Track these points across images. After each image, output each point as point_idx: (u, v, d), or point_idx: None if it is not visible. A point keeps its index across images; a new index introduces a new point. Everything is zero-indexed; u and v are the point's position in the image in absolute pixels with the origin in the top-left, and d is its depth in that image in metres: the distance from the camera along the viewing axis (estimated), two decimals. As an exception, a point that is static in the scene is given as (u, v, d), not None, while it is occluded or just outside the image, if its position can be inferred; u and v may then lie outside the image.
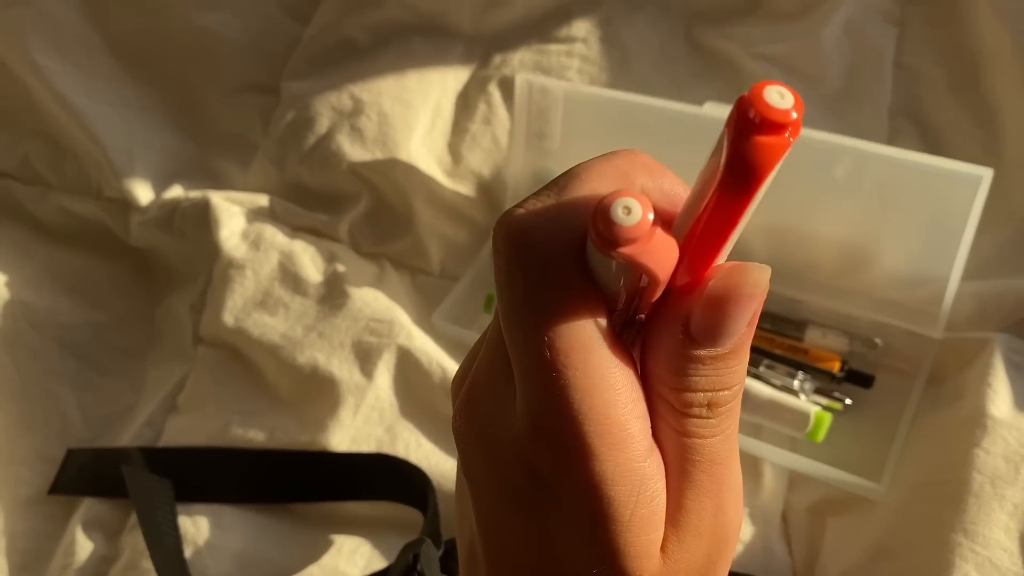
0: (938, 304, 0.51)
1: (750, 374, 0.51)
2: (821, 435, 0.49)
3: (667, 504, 0.24)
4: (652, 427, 0.23)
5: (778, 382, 0.51)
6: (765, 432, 0.51)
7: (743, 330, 0.23)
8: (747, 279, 0.22)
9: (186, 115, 0.72)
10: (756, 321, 0.23)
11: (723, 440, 0.24)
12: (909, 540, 0.45)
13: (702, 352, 0.23)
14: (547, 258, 0.22)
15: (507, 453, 0.23)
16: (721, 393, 0.23)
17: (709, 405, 0.23)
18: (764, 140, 0.19)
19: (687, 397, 0.23)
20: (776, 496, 0.50)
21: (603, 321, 0.23)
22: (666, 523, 0.24)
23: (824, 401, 0.50)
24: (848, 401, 0.50)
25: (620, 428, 0.22)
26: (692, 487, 0.24)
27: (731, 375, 0.23)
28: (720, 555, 0.25)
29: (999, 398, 0.47)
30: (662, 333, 0.23)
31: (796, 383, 0.50)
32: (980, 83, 0.61)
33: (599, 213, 0.20)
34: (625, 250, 0.20)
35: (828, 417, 0.49)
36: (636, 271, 0.21)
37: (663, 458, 0.24)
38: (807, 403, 0.50)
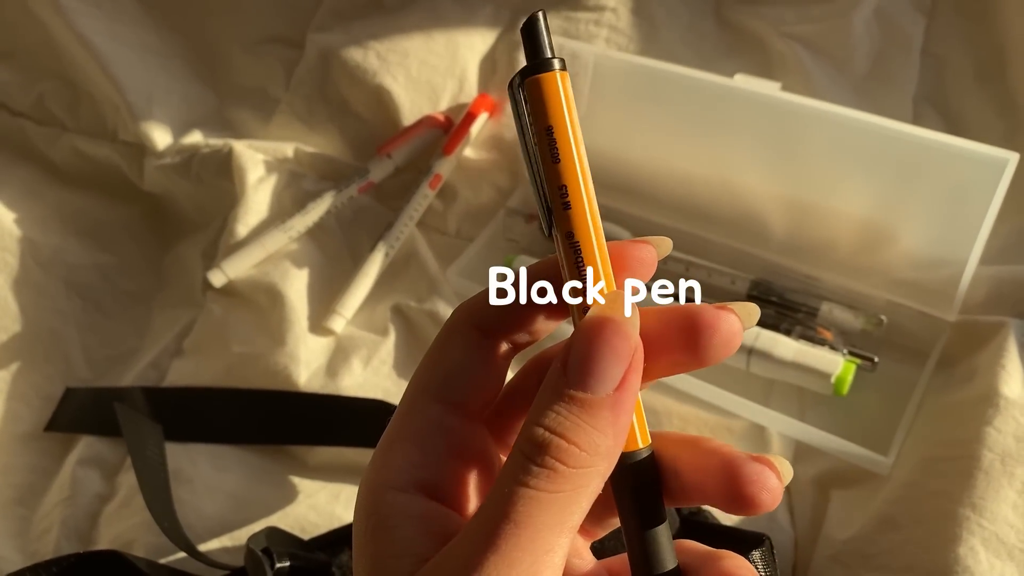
0: (955, 287, 0.50)
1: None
2: (846, 387, 0.49)
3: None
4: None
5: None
6: (774, 400, 0.51)
7: (616, 376, 0.19)
8: (617, 306, 0.20)
9: (208, 64, 0.71)
10: (635, 378, 0.19)
11: (548, 505, 0.19)
12: (915, 512, 0.45)
13: (574, 392, 0.19)
14: None
15: None
16: (565, 446, 0.19)
17: (541, 447, 0.19)
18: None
19: (528, 430, 0.19)
20: (782, 466, 0.49)
21: None
22: None
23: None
24: (876, 359, 0.51)
25: None
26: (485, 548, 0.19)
27: (589, 433, 0.19)
28: None
29: (1012, 379, 0.47)
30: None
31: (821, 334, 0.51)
32: (1005, 75, 0.61)
33: None
34: None
35: (852, 367, 0.49)
36: None
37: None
38: (833, 354, 0.50)
